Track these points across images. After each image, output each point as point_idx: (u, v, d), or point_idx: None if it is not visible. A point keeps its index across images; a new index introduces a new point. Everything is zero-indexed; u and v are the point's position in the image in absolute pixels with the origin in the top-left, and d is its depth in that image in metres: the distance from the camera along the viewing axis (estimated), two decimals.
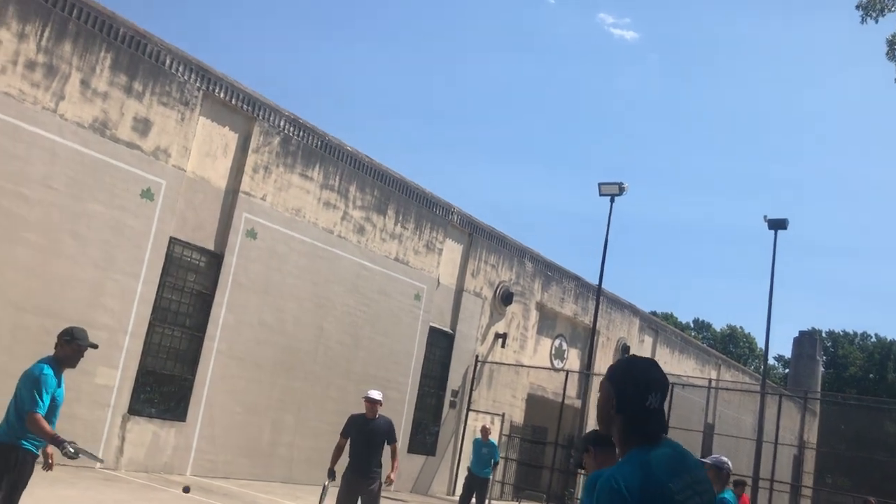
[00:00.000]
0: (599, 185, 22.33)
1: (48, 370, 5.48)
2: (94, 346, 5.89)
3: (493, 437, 17.03)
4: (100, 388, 12.96)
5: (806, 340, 46.11)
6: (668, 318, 60.96)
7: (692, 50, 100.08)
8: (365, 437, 8.51)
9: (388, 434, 8.66)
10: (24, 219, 12.03)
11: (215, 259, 14.97)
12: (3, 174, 11.78)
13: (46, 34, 12.33)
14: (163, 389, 14.20)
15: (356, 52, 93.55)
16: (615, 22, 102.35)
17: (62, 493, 9.93)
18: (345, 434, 8.70)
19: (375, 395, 8.73)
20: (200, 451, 14.57)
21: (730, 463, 6.55)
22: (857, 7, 12.21)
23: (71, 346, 5.71)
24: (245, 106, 15.32)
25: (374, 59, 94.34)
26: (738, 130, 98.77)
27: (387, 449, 8.80)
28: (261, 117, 15.58)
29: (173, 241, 14.21)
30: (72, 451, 5.33)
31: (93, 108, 12.91)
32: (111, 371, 13.15)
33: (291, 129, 16.28)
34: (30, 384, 5.42)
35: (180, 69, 14.18)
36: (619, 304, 28.17)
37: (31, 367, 5.54)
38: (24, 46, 12.06)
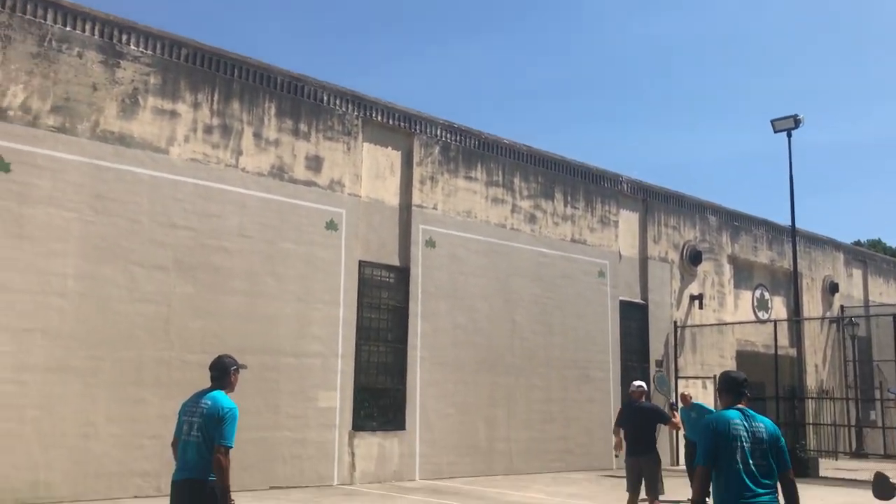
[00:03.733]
0: (772, 121, 21.14)
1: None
2: (244, 367, 5.85)
3: (700, 400, 16.60)
4: (324, 411, 13.92)
5: None
6: (875, 244, 56.46)
7: None
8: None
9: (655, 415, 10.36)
10: (229, 270, 13.16)
11: (403, 273, 15.63)
12: (205, 233, 12.95)
13: (216, 98, 13.41)
14: (379, 403, 15.00)
15: (495, 43, 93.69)
16: None
17: None
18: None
19: (634, 385, 10.48)
20: (424, 455, 15.26)
21: None
22: None
23: (238, 375, 5.71)
24: (402, 123, 15.89)
25: (513, 44, 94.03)
26: None
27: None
28: (418, 131, 16.10)
29: (363, 264, 14.99)
30: None
31: (268, 156, 13.90)
32: (331, 394, 14.09)
33: (449, 135, 16.69)
34: (232, 420, 5.36)
35: (338, 103, 14.94)
36: (817, 242, 26.51)
37: (223, 402, 5.43)
38: (199, 114, 13.19)
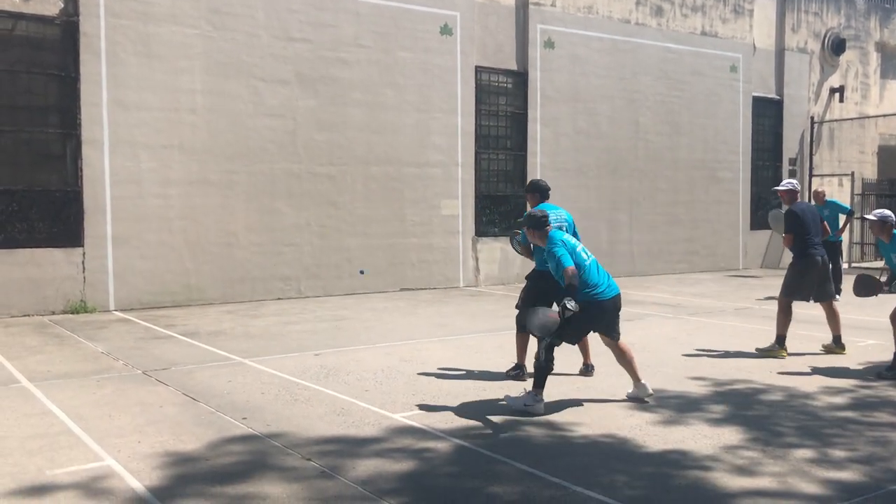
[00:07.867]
0: None
1: None
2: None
3: (836, 198, 15.95)
4: (447, 219, 14.28)
5: None
6: None
7: None
8: None
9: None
10: (349, 81, 13.21)
11: (521, 78, 15.25)
12: (322, 44, 12.93)
13: None
14: (500, 210, 15.20)
15: None
16: None
17: (436, 310, 11.37)
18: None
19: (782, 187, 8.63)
20: None
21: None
22: None
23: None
24: None
25: None
26: None
27: None
28: None
29: (479, 70, 14.68)
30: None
31: None
32: (453, 202, 14.37)
33: None
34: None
35: None
36: None
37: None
38: None
